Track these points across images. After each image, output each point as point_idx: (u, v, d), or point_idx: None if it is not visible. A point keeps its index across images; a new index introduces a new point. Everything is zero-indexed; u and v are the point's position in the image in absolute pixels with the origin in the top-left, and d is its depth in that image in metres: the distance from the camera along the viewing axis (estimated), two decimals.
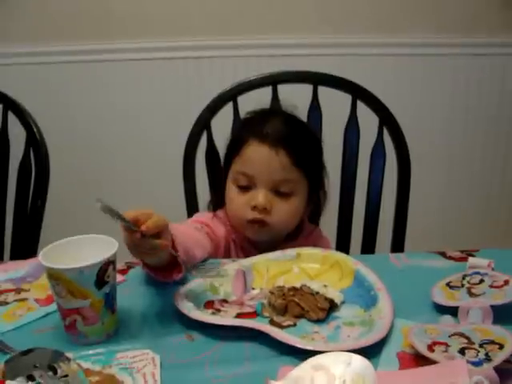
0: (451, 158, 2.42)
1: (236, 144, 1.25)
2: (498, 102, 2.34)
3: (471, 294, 0.92)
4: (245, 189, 1.21)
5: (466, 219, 2.48)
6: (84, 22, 2.22)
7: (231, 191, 1.24)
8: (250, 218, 1.20)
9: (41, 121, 1.52)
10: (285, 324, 0.90)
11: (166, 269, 1.00)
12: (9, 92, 1.54)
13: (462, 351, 0.76)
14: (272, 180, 1.19)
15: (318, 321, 0.90)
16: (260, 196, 1.19)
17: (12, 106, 1.51)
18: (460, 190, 2.46)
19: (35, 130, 1.48)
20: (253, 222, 1.20)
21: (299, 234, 1.30)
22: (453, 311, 0.89)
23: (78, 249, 0.89)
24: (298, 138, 1.23)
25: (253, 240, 1.26)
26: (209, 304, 0.96)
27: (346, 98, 1.47)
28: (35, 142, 1.48)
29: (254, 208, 1.19)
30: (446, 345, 0.78)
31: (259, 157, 1.20)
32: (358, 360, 0.70)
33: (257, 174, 1.19)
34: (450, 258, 1.11)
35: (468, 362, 0.73)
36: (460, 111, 2.35)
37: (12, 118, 1.51)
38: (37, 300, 1.00)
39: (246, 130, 1.25)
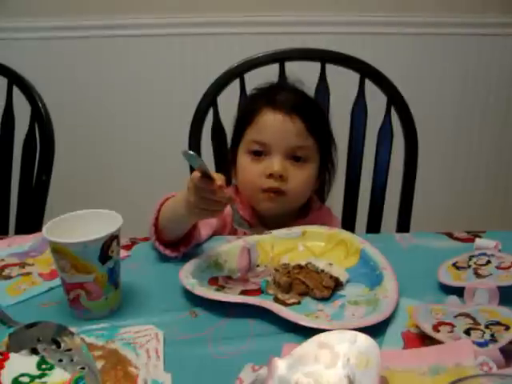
0: (459, 138, 2.40)
1: (248, 115, 1.24)
2: (507, 82, 2.31)
3: (478, 275, 0.91)
4: (259, 157, 1.20)
5: (472, 200, 2.46)
6: None
7: (244, 161, 1.22)
8: (266, 187, 1.18)
9: (46, 96, 1.51)
10: (289, 302, 0.89)
11: (175, 242, 1.04)
12: (14, 67, 1.52)
13: (467, 332, 0.76)
14: (288, 146, 1.18)
15: (323, 299, 0.90)
16: (276, 163, 1.17)
17: (17, 80, 1.50)
18: (467, 170, 2.44)
19: (40, 104, 1.48)
20: (269, 191, 1.18)
21: (309, 212, 1.29)
22: (459, 292, 0.88)
23: (82, 223, 0.89)
24: (310, 107, 1.24)
25: (262, 215, 1.25)
26: (213, 280, 0.96)
27: (354, 77, 1.45)
28: (40, 117, 1.47)
29: (270, 176, 1.17)
30: (452, 325, 0.78)
31: (274, 124, 1.19)
32: (363, 338, 0.69)
33: (272, 141, 1.18)
34: (457, 238, 1.11)
35: (473, 342, 0.73)
36: (469, 91, 2.32)
37: (17, 92, 1.50)
38: (41, 274, 1.00)
39: (258, 100, 1.25)
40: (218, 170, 1.45)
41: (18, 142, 1.51)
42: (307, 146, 1.20)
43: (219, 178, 0.92)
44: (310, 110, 1.23)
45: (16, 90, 1.50)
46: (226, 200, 0.95)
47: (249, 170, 1.21)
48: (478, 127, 2.38)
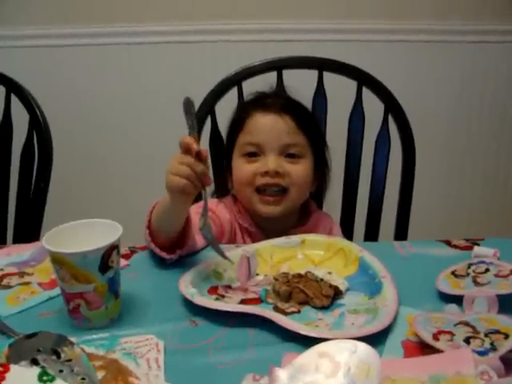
0: (456, 146, 2.41)
1: (239, 122, 1.26)
2: (504, 89, 2.32)
3: (476, 283, 0.91)
4: (253, 158, 1.21)
5: (470, 207, 2.47)
6: (88, 5, 2.20)
7: (239, 163, 1.23)
8: (263, 183, 1.19)
9: (45, 103, 1.51)
10: (289, 311, 0.89)
11: (171, 246, 1.04)
12: (12, 75, 1.52)
13: (467, 340, 0.76)
14: (280, 144, 1.19)
15: (323, 308, 0.90)
16: (271, 161, 1.18)
17: (15, 88, 1.50)
18: (465, 178, 2.45)
19: (38, 112, 1.48)
20: (265, 187, 1.19)
21: (308, 218, 1.29)
22: (458, 300, 0.88)
23: (82, 233, 0.89)
24: (299, 106, 1.27)
25: (262, 221, 1.25)
26: (213, 290, 0.96)
27: (352, 84, 1.46)
28: (38, 125, 1.47)
29: (265, 174, 1.18)
30: (451, 334, 0.78)
31: (265, 123, 1.21)
32: (363, 347, 0.69)
33: (265, 141, 1.20)
34: (455, 246, 1.11)
35: (473, 351, 0.73)
36: (466, 98, 2.33)
37: (15, 100, 1.50)
38: (40, 284, 0.99)
39: (248, 106, 1.27)
40: (216, 178, 1.45)
41: (16, 150, 1.51)
42: (300, 143, 1.22)
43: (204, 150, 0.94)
44: (299, 109, 1.26)
45: (14, 99, 1.50)
46: (202, 170, 0.94)
47: (243, 170, 1.22)
48: (475, 134, 2.39)
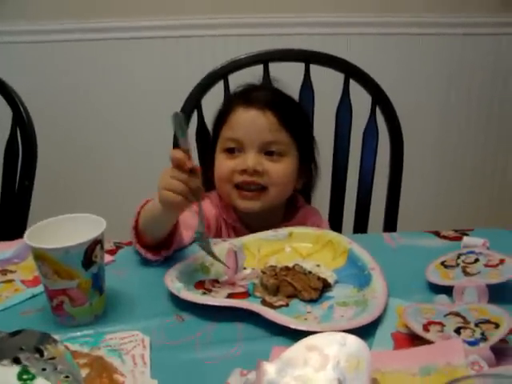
0: (445, 139, 2.40)
1: (222, 115, 1.24)
2: (491, 82, 2.32)
3: (466, 273, 0.90)
4: (233, 154, 1.19)
5: (458, 200, 2.47)
6: (74, 0, 2.17)
7: (219, 158, 1.22)
8: (240, 181, 1.17)
9: (30, 99, 1.49)
10: (277, 304, 0.88)
11: (157, 246, 1.02)
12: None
13: (457, 331, 0.75)
14: (261, 142, 1.17)
15: (311, 301, 0.89)
16: (250, 159, 1.16)
17: None
18: (453, 169, 2.44)
19: (22, 109, 1.45)
20: (243, 189, 1.18)
21: (295, 213, 1.28)
22: (448, 291, 0.87)
23: (65, 228, 0.87)
24: (284, 101, 1.24)
25: (246, 217, 1.24)
26: (199, 284, 0.94)
27: (339, 77, 1.44)
28: (22, 122, 1.45)
29: (244, 172, 1.17)
30: (442, 324, 0.77)
31: (247, 119, 1.19)
32: (353, 340, 0.68)
33: (245, 137, 1.18)
34: (444, 237, 1.10)
35: (464, 341, 0.72)
36: (454, 91, 2.33)
37: None
38: (23, 281, 0.98)
39: (232, 100, 1.25)
40: (203, 173, 1.43)
41: (0, 147, 1.48)
42: (282, 141, 1.19)
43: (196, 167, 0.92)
44: (284, 105, 1.23)
45: None
46: (195, 185, 0.91)
47: (222, 166, 1.21)
48: (464, 127, 2.38)
